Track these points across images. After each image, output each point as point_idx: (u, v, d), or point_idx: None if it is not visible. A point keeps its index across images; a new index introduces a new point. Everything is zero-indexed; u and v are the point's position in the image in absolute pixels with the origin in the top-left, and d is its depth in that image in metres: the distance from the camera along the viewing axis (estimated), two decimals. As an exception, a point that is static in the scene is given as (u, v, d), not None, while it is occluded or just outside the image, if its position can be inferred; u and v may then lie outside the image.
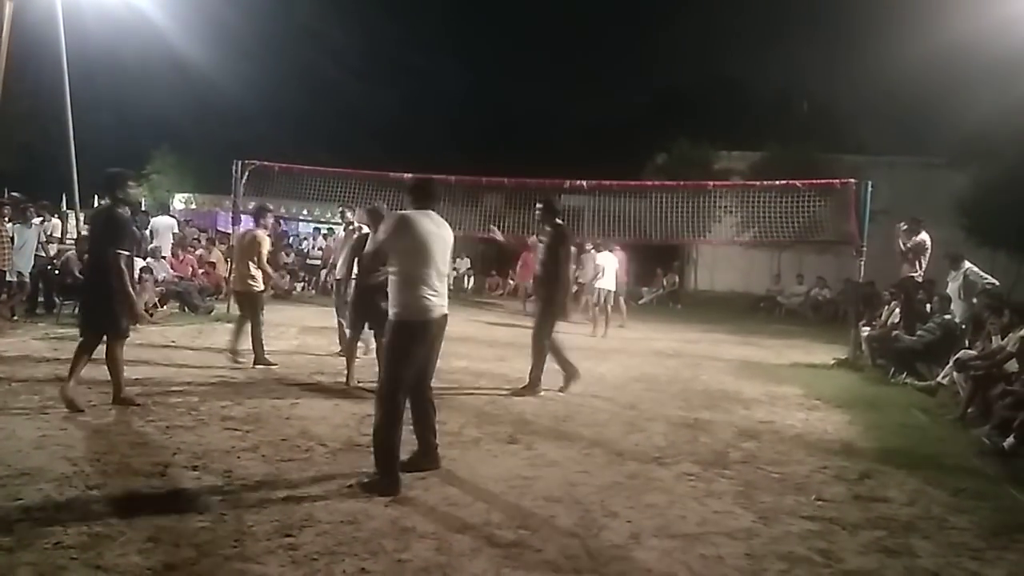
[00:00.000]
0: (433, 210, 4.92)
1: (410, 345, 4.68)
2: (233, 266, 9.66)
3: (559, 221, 8.02)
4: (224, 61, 25.00)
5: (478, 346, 10.94)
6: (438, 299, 4.78)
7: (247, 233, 8.95)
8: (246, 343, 8.56)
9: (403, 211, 4.93)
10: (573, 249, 9.14)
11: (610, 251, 14.31)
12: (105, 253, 6.06)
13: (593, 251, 14.85)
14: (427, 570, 3.60)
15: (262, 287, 8.70)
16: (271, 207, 9.57)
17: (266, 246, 8.63)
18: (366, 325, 7.47)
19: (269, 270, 8.97)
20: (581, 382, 8.06)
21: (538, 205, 8.13)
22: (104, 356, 6.25)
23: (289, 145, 30.80)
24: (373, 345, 8.05)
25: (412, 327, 4.68)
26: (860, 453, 6.14)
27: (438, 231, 4.83)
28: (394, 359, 4.69)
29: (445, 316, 4.88)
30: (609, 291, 13.93)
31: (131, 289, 6.18)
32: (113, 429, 5.61)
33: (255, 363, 8.41)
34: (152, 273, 12.03)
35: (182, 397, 6.76)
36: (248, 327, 8.56)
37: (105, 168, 6.42)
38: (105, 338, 6.23)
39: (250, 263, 8.53)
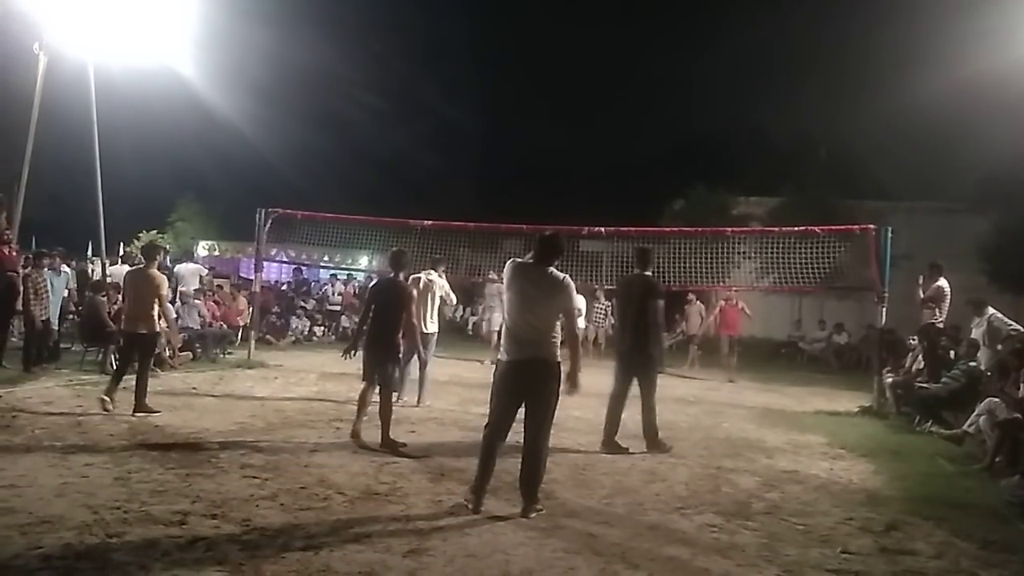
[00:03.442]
0: (549, 265, 5.31)
1: (497, 381, 5.31)
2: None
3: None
4: (248, 109, 25.45)
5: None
6: (520, 345, 5.18)
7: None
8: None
9: (512, 260, 5.45)
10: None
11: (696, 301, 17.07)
12: None
13: (696, 301, 17.29)
14: (445, 623, 3.57)
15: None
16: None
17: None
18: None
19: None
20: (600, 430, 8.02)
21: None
22: None
23: (312, 191, 31.43)
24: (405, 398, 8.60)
25: (499, 365, 5.33)
26: (886, 504, 6.02)
27: (528, 285, 5.23)
28: (491, 392, 5.37)
29: (532, 361, 5.15)
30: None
31: None
32: (133, 477, 5.63)
33: None
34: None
35: (202, 444, 6.79)
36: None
37: (131, 216, 6.44)
38: None
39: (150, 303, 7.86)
